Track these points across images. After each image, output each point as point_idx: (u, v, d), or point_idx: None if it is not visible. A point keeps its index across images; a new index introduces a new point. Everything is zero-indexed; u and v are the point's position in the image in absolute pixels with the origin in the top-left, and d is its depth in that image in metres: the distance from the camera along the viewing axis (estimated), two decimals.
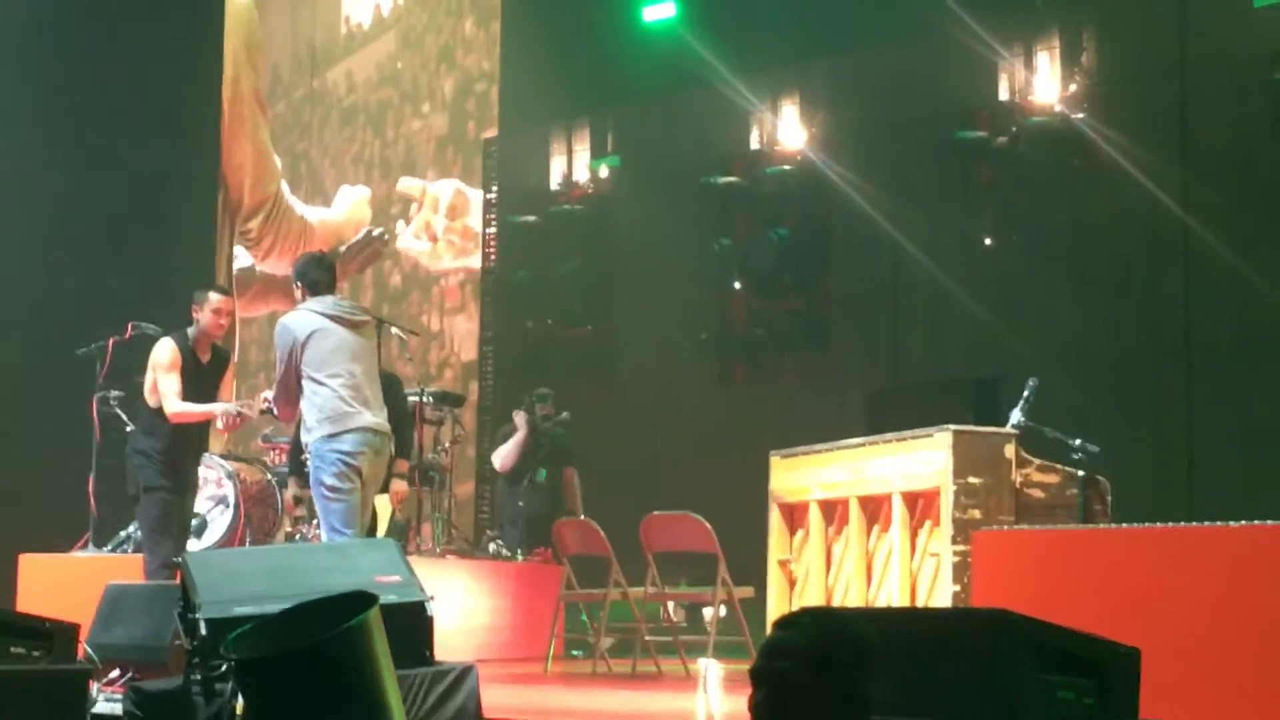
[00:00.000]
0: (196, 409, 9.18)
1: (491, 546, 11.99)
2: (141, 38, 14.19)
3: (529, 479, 12.21)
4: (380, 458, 8.46)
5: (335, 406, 8.25)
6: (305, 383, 8.32)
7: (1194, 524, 6.21)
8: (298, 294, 8.67)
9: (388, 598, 5.28)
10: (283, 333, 8.41)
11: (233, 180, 16.11)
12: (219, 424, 9.34)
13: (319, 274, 8.64)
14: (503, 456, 12.35)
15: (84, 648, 7.19)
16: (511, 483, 12.38)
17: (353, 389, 8.32)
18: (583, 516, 11.36)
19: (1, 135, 13.28)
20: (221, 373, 9.57)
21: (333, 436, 8.22)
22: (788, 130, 13.75)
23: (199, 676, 6.01)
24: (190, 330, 9.28)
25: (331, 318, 8.38)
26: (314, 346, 8.30)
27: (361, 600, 4.27)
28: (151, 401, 9.24)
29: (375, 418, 8.37)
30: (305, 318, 8.40)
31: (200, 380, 9.30)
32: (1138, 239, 11.23)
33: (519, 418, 12.30)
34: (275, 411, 8.72)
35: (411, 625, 6.14)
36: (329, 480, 8.22)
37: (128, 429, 10.23)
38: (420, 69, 16.36)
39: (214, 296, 9.34)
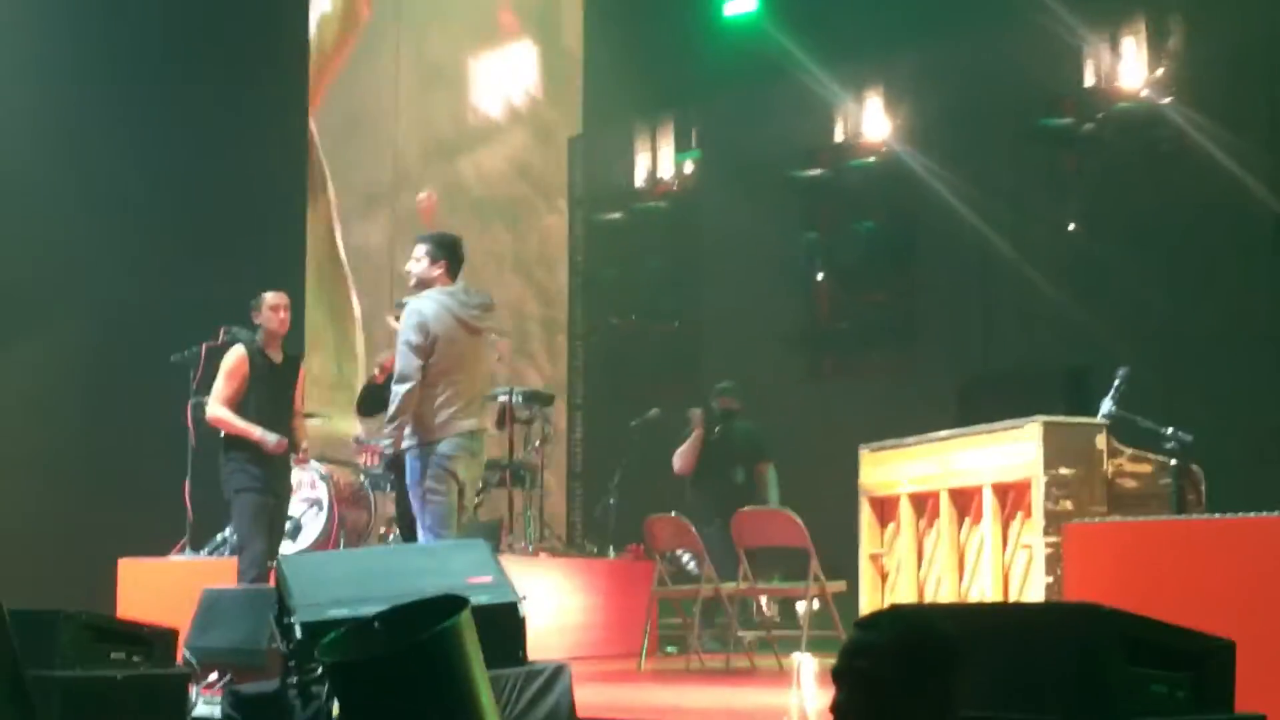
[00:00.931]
0: (236, 422, 9.42)
1: (685, 557, 11.27)
2: (229, 45, 14.39)
3: (725, 479, 11.61)
4: (477, 459, 8.53)
5: (439, 412, 8.29)
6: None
7: None
8: (424, 263, 8.52)
9: (480, 599, 5.33)
10: (417, 318, 8.33)
11: None
12: (268, 443, 9.46)
13: (458, 256, 8.60)
14: (678, 458, 11.82)
15: (183, 652, 7.29)
16: (695, 484, 11.80)
17: (458, 394, 8.35)
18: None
19: (95, 142, 13.49)
20: (295, 373, 9.86)
21: (432, 440, 8.27)
22: (872, 122, 13.70)
23: (295, 679, 6.08)
24: (257, 335, 9.57)
25: (459, 320, 8.39)
26: (437, 346, 8.30)
27: (454, 602, 4.31)
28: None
29: (475, 421, 8.41)
30: (440, 314, 8.36)
31: (275, 380, 9.65)
32: (1227, 224, 11.11)
33: (695, 415, 11.80)
34: (399, 399, 8.42)
35: (504, 626, 6.18)
36: (426, 482, 8.30)
37: (221, 434, 10.37)
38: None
39: (268, 296, 9.71)
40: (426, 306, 8.40)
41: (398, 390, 8.36)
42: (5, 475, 13.36)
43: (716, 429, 11.73)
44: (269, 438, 9.45)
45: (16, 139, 13.32)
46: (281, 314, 9.67)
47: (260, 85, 14.87)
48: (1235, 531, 6.18)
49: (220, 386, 9.53)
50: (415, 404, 8.30)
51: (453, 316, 8.36)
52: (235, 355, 9.57)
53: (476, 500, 10.20)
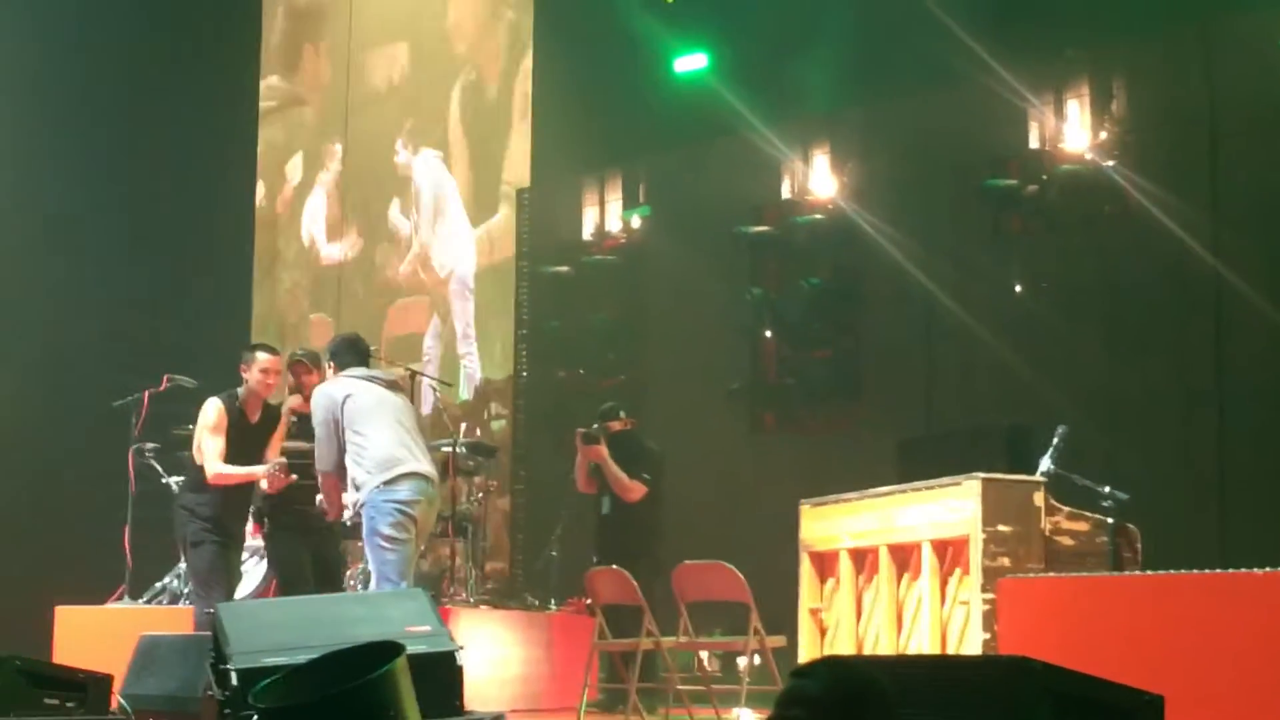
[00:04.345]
0: (237, 472, 9.15)
1: None
2: (179, 95, 14.44)
3: (598, 509, 11.18)
4: (433, 507, 8.55)
5: (387, 454, 8.26)
6: (351, 440, 8.33)
7: (1220, 570, 6.20)
8: (329, 373, 8.85)
9: (417, 647, 5.33)
10: (322, 398, 8.52)
11: None
12: (263, 485, 9.25)
13: (351, 358, 8.71)
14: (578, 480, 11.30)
15: (117, 698, 7.25)
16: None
17: (400, 440, 8.35)
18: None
19: (42, 184, 13.47)
20: (271, 431, 9.51)
21: (388, 485, 8.21)
22: (819, 179, 13.76)
23: None
24: (240, 390, 9.29)
25: (366, 379, 8.49)
26: (354, 404, 8.36)
27: (389, 650, 4.31)
28: (198, 459, 9.26)
29: (426, 465, 8.42)
30: (341, 383, 8.55)
31: (247, 440, 9.28)
32: (1169, 286, 11.21)
33: (577, 436, 11.14)
34: (319, 480, 8.64)
35: (441, 675, 6.18)
36: (386, 530, 8.21)
37: (163, 480, 10.32)
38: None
39: (261, 356, 9.35)
40: (322, 386, 8.74)
41: (320, 477, 8.64)
42: None
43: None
44: (262, 470, 9.19)
45: None
46: (270, 379, 9.33)
47: (208, 140, 14.92)
48: (1166, 588, 6.24)
49: (211, 443, 9.17)
50: (334, 472, 8.49)
51: (355, 380, 8.55)
52: (216, 410, 9.23)
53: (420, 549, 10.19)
